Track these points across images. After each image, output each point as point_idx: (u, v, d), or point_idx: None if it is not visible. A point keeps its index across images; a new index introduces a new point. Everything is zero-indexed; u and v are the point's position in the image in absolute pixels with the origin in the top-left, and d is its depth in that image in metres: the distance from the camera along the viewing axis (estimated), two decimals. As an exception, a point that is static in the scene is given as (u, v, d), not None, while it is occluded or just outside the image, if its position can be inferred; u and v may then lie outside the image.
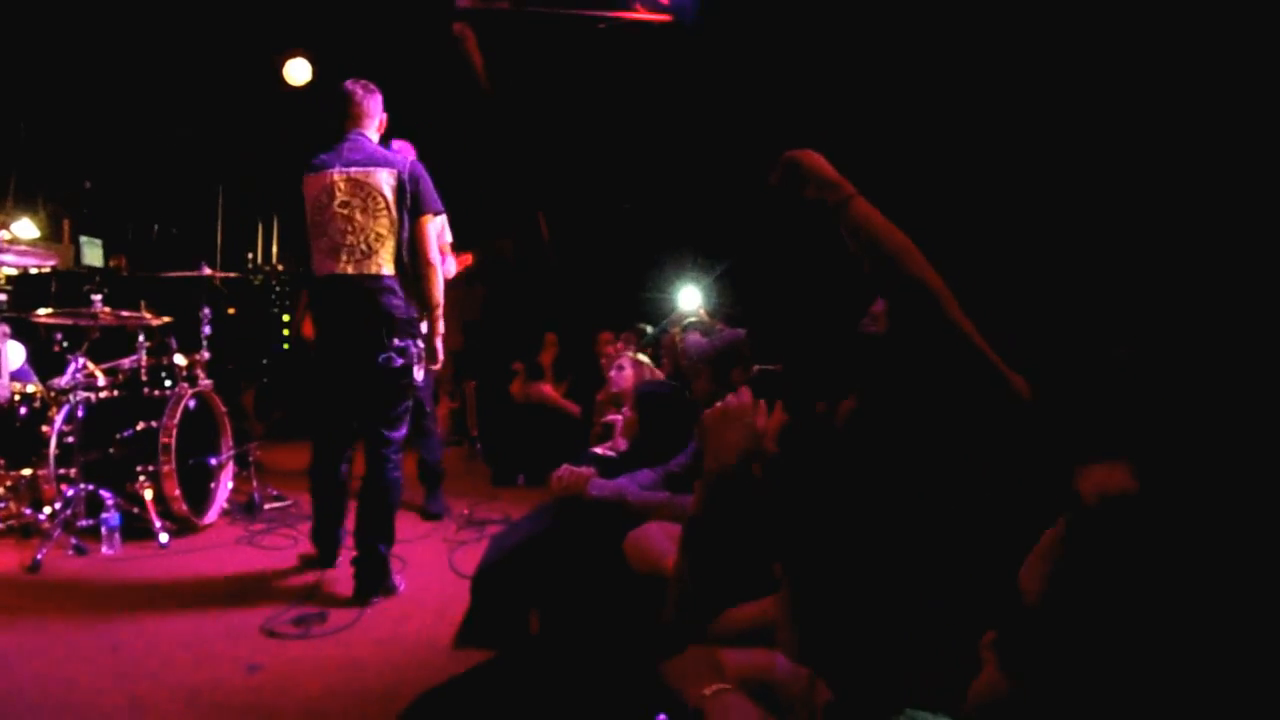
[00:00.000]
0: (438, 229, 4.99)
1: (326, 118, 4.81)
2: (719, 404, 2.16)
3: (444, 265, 5.55)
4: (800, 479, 1.82)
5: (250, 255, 10.74)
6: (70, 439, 5.28)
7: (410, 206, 4.52)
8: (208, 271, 6.06)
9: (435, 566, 4.96)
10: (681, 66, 7.75)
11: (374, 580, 4.43)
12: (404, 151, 5.46)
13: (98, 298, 5.46)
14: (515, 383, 8.82)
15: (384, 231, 4.46)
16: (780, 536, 1.55)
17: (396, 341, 4.43)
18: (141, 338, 5.84)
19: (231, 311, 8.63)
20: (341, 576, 4.67)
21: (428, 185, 4.58)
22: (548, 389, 8.33)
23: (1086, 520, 1.15)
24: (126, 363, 5.92)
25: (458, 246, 6.31)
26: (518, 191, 10.58)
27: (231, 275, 6.47)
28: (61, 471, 5.25)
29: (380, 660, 3.64)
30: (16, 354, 5.73)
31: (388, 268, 4.47)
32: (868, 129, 6.55)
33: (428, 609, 4.22)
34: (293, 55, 9.17)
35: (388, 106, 4.78)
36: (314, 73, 9.19)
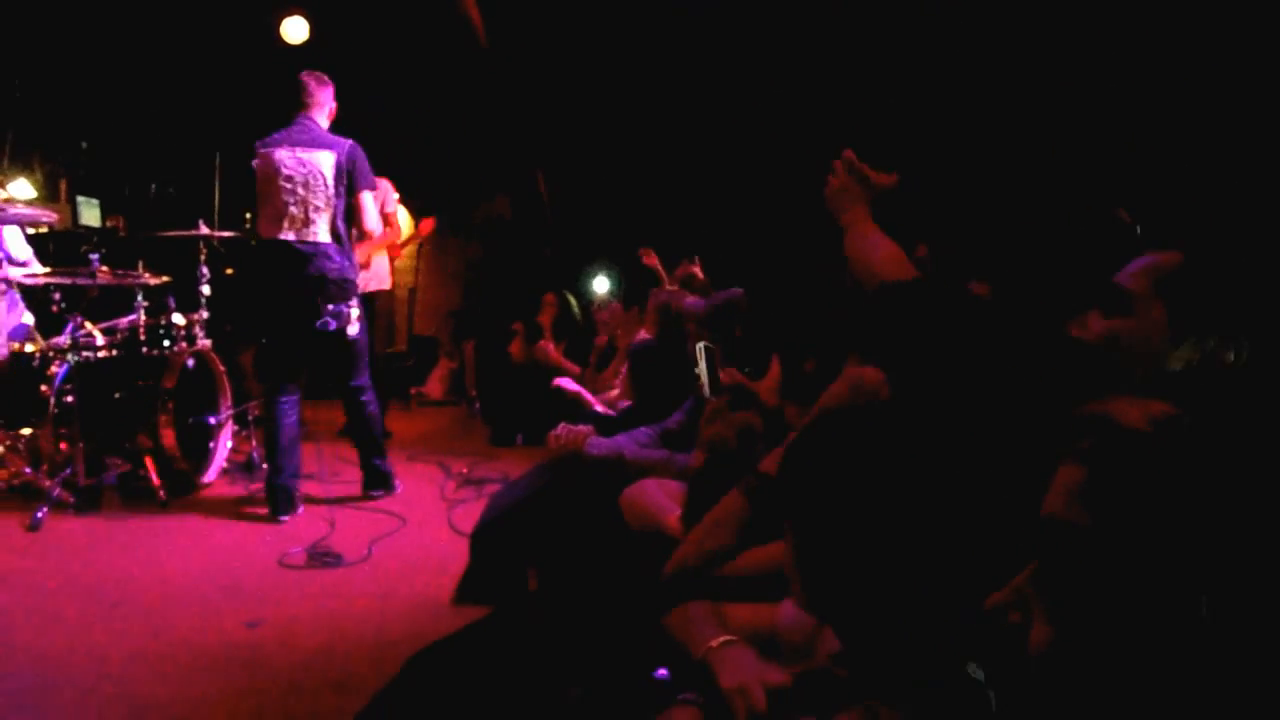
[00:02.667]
0: (377, 201, 5.65)
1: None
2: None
3: (389, 229, 7.30)
4: (811, 431, 1.82)
5: (248, 215, 10.67)
6: (69, 398, 5.27)
7: (347, 184, 5.17)
8: (205, 231, 6.02)
9: (434, 524, 4.97)
10: (682, 24, 7.69)
11: (376, 482, 5.52)
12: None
13: (95, 257, 5.43)
14: (514, 343, 8.81)
15: (321, 204, 5.09)
16: (787, 487, 1.54)
17: (330, 307, 5.08)
18: (140, 297, 5.81)
19: (229, 271, 8.59)
20: (340, 532, 4.70)
21: (363, 165, 5.25)
22: (551, 348, 8.33)
23: (1140, 444, 1.23)
24: (124, 322, 5.90)
25: (432, 209, 7.47)
26: (516, 150, 10.51)
27: (229, 235, 6.42)
28: (61, 431, 5.25)
29: (379, 616, 3.66)
30: (22, 317, 5.77)
31: (324, 236, 5.10)
32: (869, 100, 6.52)
33: (427, 566, 4.24)
34: (290, 13, 9.09)
35: (385, 64, 4.89)
36: (311, 31, 9.11)
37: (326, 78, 5.36)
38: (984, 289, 3.25)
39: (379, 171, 5.78)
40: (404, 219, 11.08)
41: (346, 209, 5.20)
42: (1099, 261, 1.94)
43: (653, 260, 7.17)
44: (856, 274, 2.15)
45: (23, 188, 7.98)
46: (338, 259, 5.13)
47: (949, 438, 1.55)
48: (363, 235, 5.39)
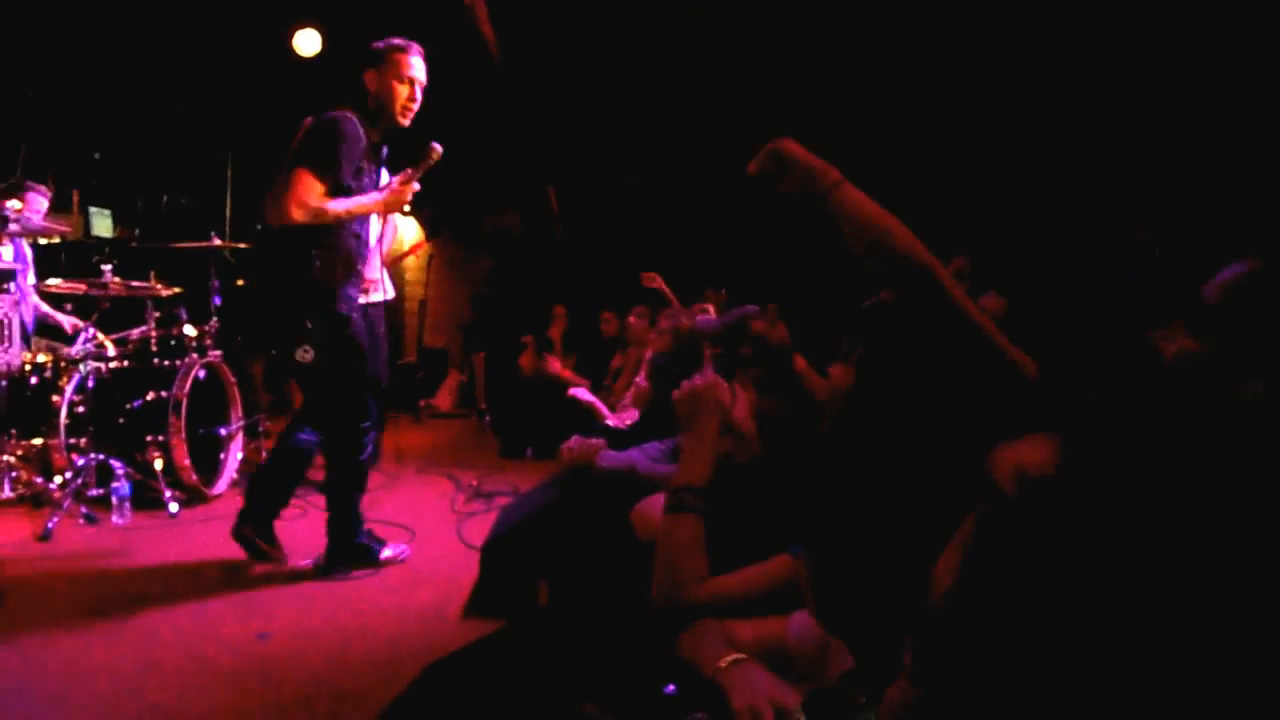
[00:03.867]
0: (314, 188, 3.90)
1: (336, 89, 4.84)
2: (685, 384, 2.20)
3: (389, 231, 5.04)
4: (809, 448, 1.82)
5: (260, 226, 10.72)
6: (81, 409, 5.31)
7: (293, 153, 3.95)
8: (217, 242, 6.05)
9: (444, 538, 4.97)
10: (691, 41, 7.71)
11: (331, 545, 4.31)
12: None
13: (108, 268, 5.46)
14: (524, 356, 8.83)
15: (277, 184, 3.98)
16: (795, 503, 1.54)
17: (285, 318, 4.04)
18: (151, 308, 5.84)
19: (241, 282, 8.63)
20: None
21: (322, 139, 3.96)
22: (556, 364, 8.34)
23: (1002, 507, 1.01)
24: (136, 333, 5.93)
25: (443, 222, 6.44)
26: (527, 165, 10.54)
27: (241, 246, 6.43)
28: (72, 441, 5.28)
29: (390, 629, 3.65)
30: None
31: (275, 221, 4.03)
32: (877, 111, 6.53)
33: (437, 579, 4.24)
34: (302, 26, 9.13)
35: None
36: (323, 44, 9.15)
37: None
38: (998, 303, 3.24)
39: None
40: (412, 230, 11.09)
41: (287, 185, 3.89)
42: (1118, 275, 1.92)
43: (657, 283, 7.21)
44: (868, 235, 1.82)
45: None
46: (289, 255, 4.04)
47: (960, 447, 1.54)
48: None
